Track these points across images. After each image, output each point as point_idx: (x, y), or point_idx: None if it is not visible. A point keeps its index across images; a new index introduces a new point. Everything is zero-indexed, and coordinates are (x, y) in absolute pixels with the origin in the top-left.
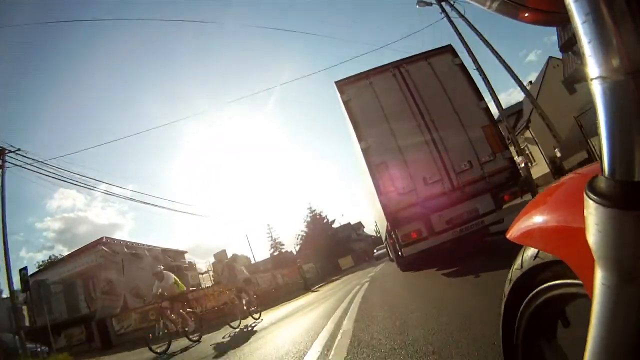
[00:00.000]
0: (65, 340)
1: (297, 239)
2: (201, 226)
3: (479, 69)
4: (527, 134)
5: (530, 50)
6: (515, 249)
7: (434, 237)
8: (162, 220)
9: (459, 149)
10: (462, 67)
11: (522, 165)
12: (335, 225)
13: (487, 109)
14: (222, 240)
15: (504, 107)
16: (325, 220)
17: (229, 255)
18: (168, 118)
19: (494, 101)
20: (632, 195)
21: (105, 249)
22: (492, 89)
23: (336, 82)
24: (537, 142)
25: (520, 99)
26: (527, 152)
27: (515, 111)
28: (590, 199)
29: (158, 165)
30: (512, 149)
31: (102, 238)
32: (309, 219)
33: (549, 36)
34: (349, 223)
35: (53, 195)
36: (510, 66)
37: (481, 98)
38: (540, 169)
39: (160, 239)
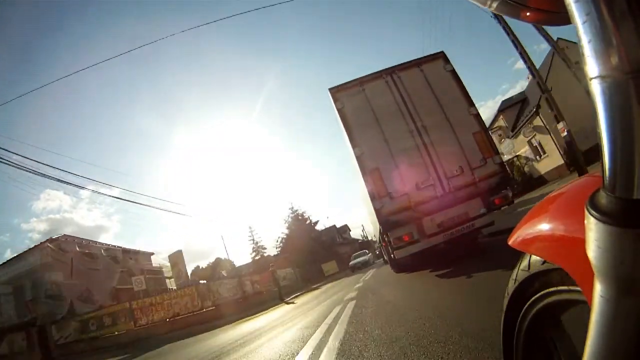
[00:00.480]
0: (8, 347)
1: (277, 241)
2: (189, 230)
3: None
4: (537, 121)
5: (518, 58)
6: (505, 249)
7: (426, 240)
8: (151, 224)
9: (451, 154)
10: (454, 73)
11: (565, 133)
12: (319, 228)
13: (478, 115)
14: (210, 244)
15: (502, 104)
16: (307, 222)
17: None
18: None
19: (520, 53)
20: (632, 214)
21: (52, 246)
22: (515, 38)
23: (330, 89)
24: (549, 129)
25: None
26: (535, 144)
27: (519, 100)
28: (591, 214)
29: (139, 168)
30: (541, 119)
31: (61, 235)
32: (290, 219)
33: (538, 44)
34: (334, 226)
35: (39, 196)
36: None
37: (472, 104)
38: (551, 161)
39: (147, 243)
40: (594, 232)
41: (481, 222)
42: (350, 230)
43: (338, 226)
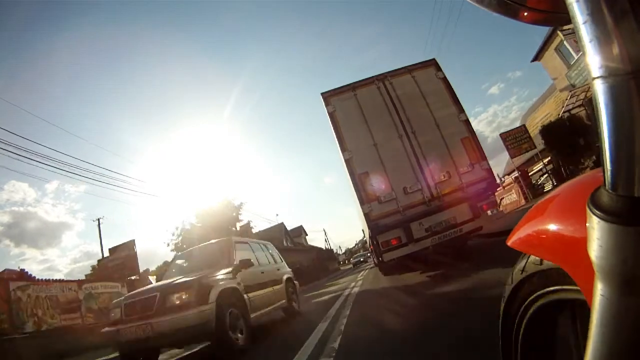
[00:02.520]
0: None
1: (175, 235)
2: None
3: None
4: None
5: (493, 83)
6: (493, 251)
7: (414, 244)
8: (122, 223)
9: (439, 159)
10: (445, 80)
11: None
12: (249, 221)
13: (467, 122)
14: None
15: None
16: (228, 205)
17: None
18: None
19: None
20: (634, 211)
21: None
22: None
23: (322, 94)
24: None
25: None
26: None
27: None
28: (593, 213)
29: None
30: None
31: None
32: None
33: (513, 72)
34: (282, 224)
35: (3, 187)
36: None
37: (462, 110)
38: None
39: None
40: (595, 231)
41: (469, 227)
42: (306, 235)
43: (292, 228)
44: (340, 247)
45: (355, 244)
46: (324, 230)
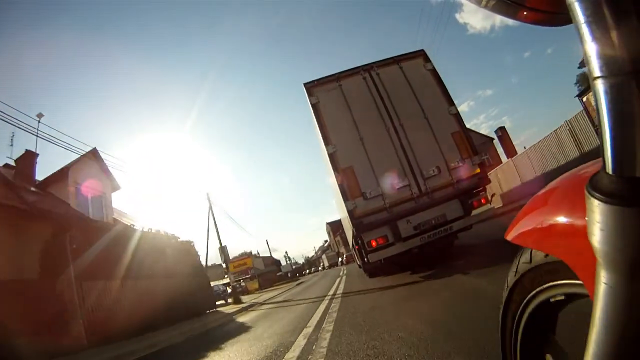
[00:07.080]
0: None
1: None
2: None
3: None
4: None
5: (464, 100)
6: (482, 249)
7: (401, 243)
8: None
9: (428, 154)
10: (434, 72)
11: None
12: None
13: (458, 115)
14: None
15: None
16: None
17: None
18: None
19: None
20: (636, 192)
21: None
22: None
23: (305, 84)
24: None
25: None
26: None
27: None
28: (592, 196)
29: None
30: None
31: None
32: None
33: (483, 90)
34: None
35: None
36: None
37: (452, 103)
38: None
39: None
40: (596, 215)
41: (459, 225)
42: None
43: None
44: (287, 253)
45: (315, 253)
46: (207, 197)
